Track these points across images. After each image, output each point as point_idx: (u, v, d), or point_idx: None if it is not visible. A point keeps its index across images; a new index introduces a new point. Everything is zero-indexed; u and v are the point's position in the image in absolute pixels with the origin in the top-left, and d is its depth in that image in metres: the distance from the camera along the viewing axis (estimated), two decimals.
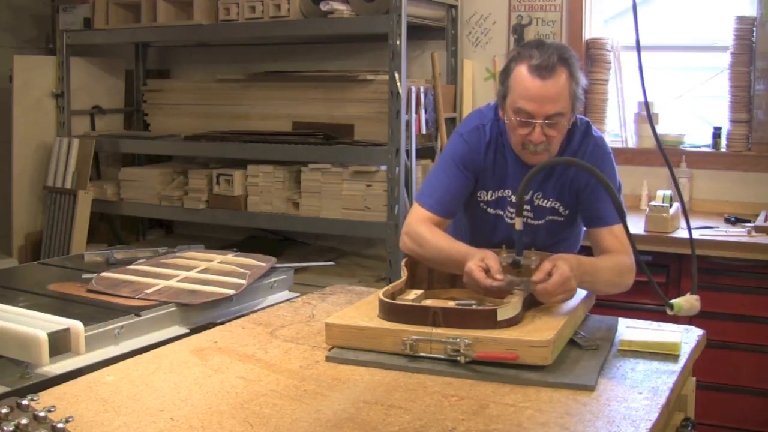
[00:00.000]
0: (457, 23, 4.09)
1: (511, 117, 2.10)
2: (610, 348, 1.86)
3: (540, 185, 2.22)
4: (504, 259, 1.99)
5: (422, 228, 2.17)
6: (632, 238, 1.92)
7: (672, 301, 1.95)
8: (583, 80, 2.12)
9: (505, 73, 2.13)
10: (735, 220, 3.43)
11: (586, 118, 2.27)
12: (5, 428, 1.28)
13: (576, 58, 2.12)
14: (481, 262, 1.93)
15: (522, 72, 2.06)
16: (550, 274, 1.88)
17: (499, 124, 2.22)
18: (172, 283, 2.26)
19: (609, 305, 2.57)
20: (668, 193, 3.38)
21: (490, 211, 2.28)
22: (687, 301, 1.96)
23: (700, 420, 2.25)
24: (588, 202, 2.19)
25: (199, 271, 2.39)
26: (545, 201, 2.24)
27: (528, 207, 2.22)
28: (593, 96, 3.91)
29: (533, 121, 2.06)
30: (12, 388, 1.64)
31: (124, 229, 4.85)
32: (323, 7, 3.70)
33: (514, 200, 2.19)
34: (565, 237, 2.32)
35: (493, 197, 2.26)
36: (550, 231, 2.27)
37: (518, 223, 1.95)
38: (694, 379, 1.98)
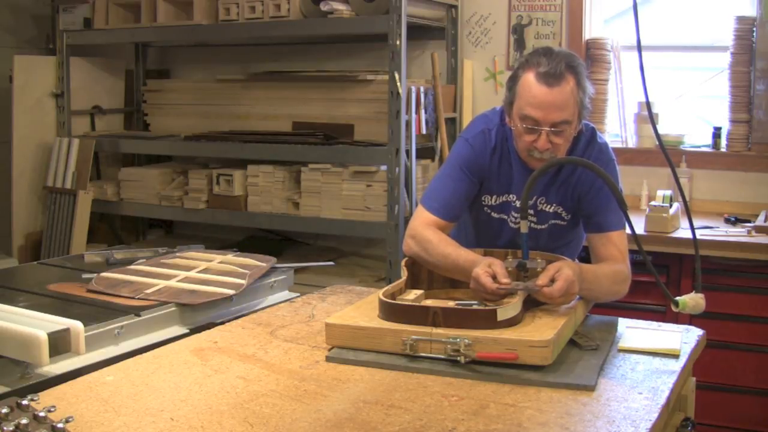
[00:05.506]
0: (457, 23, 4.09)
1: (518, 123, 2.11)
2: (610, 348, 1.86)
3: (543, 190, 2.22)
4: (510, 264, 1.99)
5: (428, 233, 2.16)
6: (638, 238, 1.93)
7: (677, 298, 1.95)
8: (590, 89, 2.13)
9: (513, 80, 2.14)
10: (735, 220, 3.43)
11: (592, 124, 2.27)
12: (5, 428, 1.29)
13: (584, 67, 2.12)
14: (488, 268, 1.94)
15: (529, 79, 2.07)
16: (553, 279, 1.88)
17: (504, 129, 2.23)
18: (172, 283, 2.25)
19: (609, 305, 2.57)
20: (668, 193, 3.38)
21: (495, 215, 2.28)
22: (692, 299, 1.97)
23: (700, 420, 2.25)
24: (589, 207, 2.20)
25: (199, 271, 2.38)
26: (548, 206, 2.24)
27: (531, 212, 2.22)
28: (593, 96, 3.91)
29: (539, 128, 2.07)
30: (12, 388, 1.64)
31: (124, 229, 4.85)
32: (323, 7, 3.71)
33: (518, 205, 2.19)
34: (568, 240, 2.33)
35: (498, 202, 2.26)
36: (553, 235, 2.27)
37: (524, 226, 1.96)
38: (694, 379, 1.98)
